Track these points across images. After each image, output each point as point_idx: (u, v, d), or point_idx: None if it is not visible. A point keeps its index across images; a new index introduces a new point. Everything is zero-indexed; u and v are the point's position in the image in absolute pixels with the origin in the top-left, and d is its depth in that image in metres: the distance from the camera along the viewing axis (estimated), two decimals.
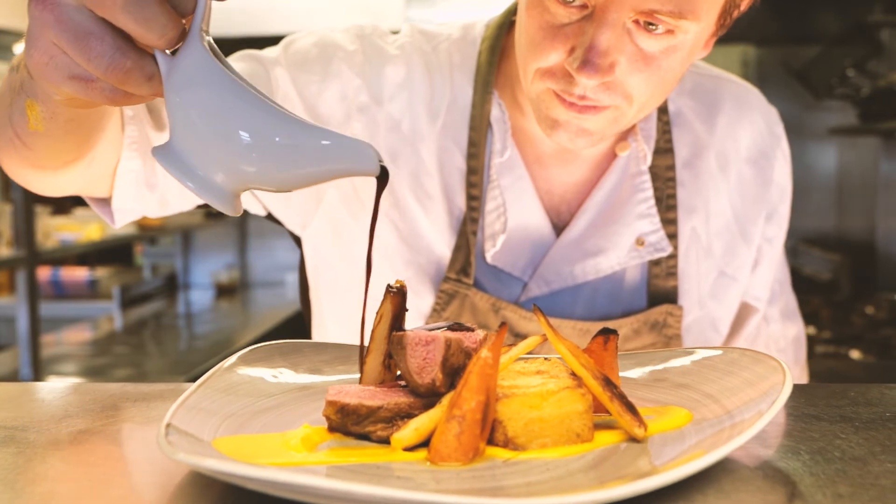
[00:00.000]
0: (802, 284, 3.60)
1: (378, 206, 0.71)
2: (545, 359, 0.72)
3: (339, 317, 1.13)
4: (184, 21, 0.63)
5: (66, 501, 0.57)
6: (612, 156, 1.09)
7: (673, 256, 1.08)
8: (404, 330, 0.69)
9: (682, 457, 0.59)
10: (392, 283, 0.72)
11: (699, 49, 0.94)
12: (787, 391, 0.62)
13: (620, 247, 1.07)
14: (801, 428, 0.69)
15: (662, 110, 1.09)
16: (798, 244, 4.01)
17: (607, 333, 0.71)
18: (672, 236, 1.08)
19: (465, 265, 1.04)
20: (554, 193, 1.08)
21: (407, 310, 0.72)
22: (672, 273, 1.08)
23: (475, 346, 0.67)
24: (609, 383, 0.64)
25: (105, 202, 1.03)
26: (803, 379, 1.26)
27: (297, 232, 1.13)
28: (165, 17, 0.60)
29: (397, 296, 0.71)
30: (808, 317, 3.16)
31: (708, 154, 1.12)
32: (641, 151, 1.07)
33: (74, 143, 0.83)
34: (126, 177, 0.99)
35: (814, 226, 4.10)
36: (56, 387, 0.90)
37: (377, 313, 0.73)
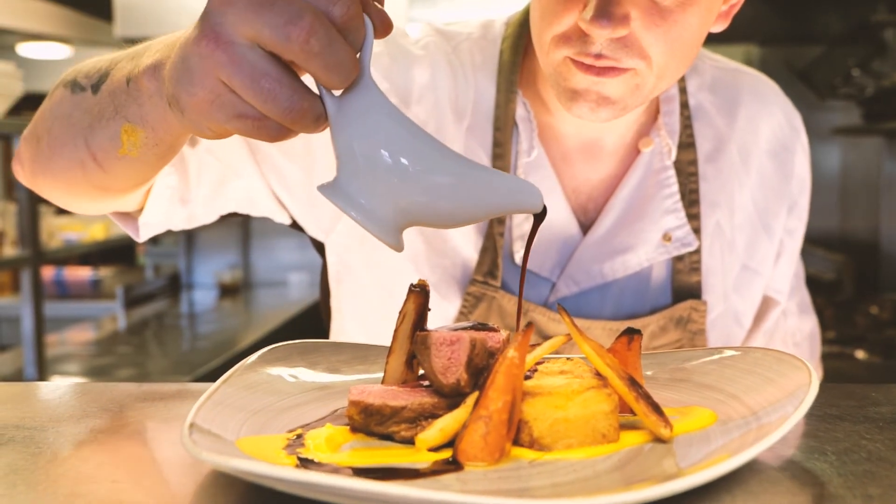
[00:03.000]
0: (805, 285, 3.60)
1: (532, 242, 0.72)
2: (567, 359, 0.72)
3: (361, 322, 1.12)
4: None
5: (90, 502, 0.57)
6: (635, 152, 1.08)
7: (696, 251, 1.08)
8: (427, 329, 0.69)
9: (709, 458, 0.58)
10: (415, 282, 0.72)
11: (716, 10, 0.93)
12: (813, 391, 0.62)
13: (648, 243, 1.06)
14: (826, 428, 0.69)
15: (683, 105, 1.09)
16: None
17: (631, 333, 0.70)
18: (696, 231, 1.08)
19: (492, 267, 1.03)
20: (580, 191, 1.08)
21: (430, 309, 0.72)
22: (696, 268, 1.08)
23: (499, 346, 0.67)
24: (634, 383, 0.64)
25: (128, 216, 1.01)
26: (818, 374, 1.25)
27: (320, 238, 1.12)
28: (351, 61, 0.59)
29: (420, 295, 0.71)
30: None
31: (730, 148, 1.11)
32: (666, 146, 1.07)
33: (158, 164, 0.81)
34: (162, 193, 0.97)
35: (817, 226, 4.08)
36: (70, 386, 0.90)
37: (400, 313, 0.72)
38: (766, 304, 1.17)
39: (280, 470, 0.51)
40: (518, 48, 1.06)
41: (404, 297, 1.05)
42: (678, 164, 1.08)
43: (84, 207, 0.94)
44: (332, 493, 0.50)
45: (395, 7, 3.46)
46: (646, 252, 1.06)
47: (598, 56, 0.87)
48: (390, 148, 0.61)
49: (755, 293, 1.14)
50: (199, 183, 1.00)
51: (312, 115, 0.60)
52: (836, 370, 2.60)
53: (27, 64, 4.07)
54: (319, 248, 1.15)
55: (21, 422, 0.74)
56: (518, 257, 1.04)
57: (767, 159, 1.14)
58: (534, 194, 0.64)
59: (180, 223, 1.03)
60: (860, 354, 2.85)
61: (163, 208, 0.99)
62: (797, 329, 1.22)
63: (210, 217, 1.06)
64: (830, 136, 4.02)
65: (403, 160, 0.61)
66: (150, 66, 0.69)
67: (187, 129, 0.69)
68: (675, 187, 1.07)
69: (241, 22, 0.58)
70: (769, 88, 1.17)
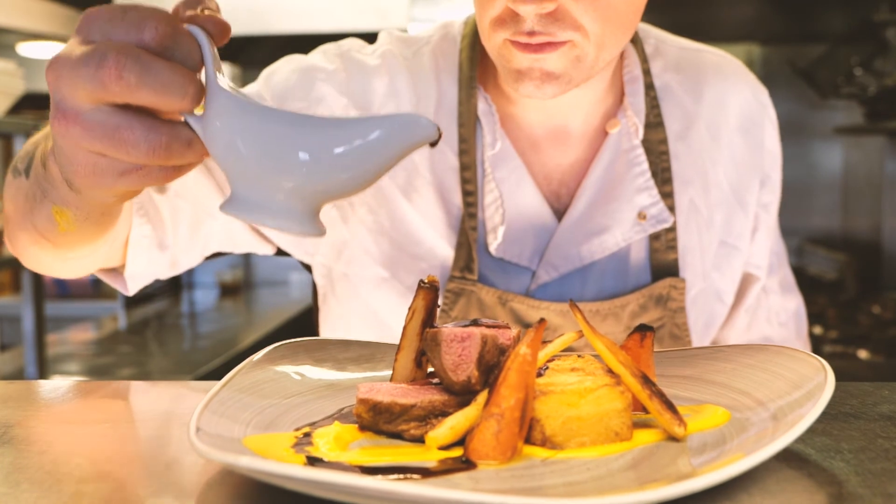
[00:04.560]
0: (808, 284, 3.59)
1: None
2: (578, 356, 0.71)
3: (346, 335, 1.13)
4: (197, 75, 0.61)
5: (96, 502, 0.56)
6: (603, 134, 1.09)
7: (672, 230, 1.09)
8: (437, 326, 0.68)
9: (724, 457, 0.57)
10: (424, 279, 0.71)
11: None
12: (829, 389, 0.61)
13: (623, 222, 1.07)
14: (840, 426, 0.68)
15: (649, 86, 1.10)
16: (803, 244, 3.99)
17: (644, 330, 0.70)
18: (670, 209, 1.09)
19: (468, 261, 1.04)
20: (552, 178, 1.09)
21: (439, 306, 0.71)
22: (672, 246, 1.09)
23: (510, 343, 0.66)
24: (647, 381, 0.63)
25: (114, 272, 1.03)
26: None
27: (306, 260, 1.14)
28: (181, 76, 0.59)
29: (430, 292, 0.70)
30: (814, 317, 3.14)
31: (699, 126, 1.12)
32: (633, 126, 1.08)
33: (102, 231, 0.82)
34: (140, 243, 0.99)
35: (819, 225, 4.09)
36: (73, 385, 0.89)
37: (409, 309, 0.71)
38: (746, 281, 1.19)
39: (289, 468, 0.50)
40: (476, 44, 1.08)
41: (384, 308, 1.07)
42: (648, 144, 1.09)
43: (65, 272, 0.95)
44: (342, 492, 0.49)
45: (396, 7, 3.46)
46: (622, 232, 1.07)
47: (532, 33, 0.88)
48: (266, 144, 0.59)
49: (735, 269, 1.15)
50: (176, 228, 1.02)
51: (180, 143, 0.61)
52: (838, 370, 2.56)
53: (27, 63, 4.06)
54: (310, 269, 1.17)
55: (24, 420, 0.73)
56: (493, 248, 1.05)
57: (737, 135, 1.15)
58: (423, 125, 0.60)
59: (165, 270, 1.05)
60: (863, 354, 2.84)
61: (143, 258, 1.00)
62: (781, 308, 1.23)
63: (194, 260, 1.07)
64: (832, 136, 4.01)
65: (288, 150, 0.59)
66: (51, 149, 0.70)
67: (93, 204, 0.72)
68: (646, 165, 1.08)
69: (73, 89, 0.59)
70: (734, 65, 1.19)
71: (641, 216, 1.07)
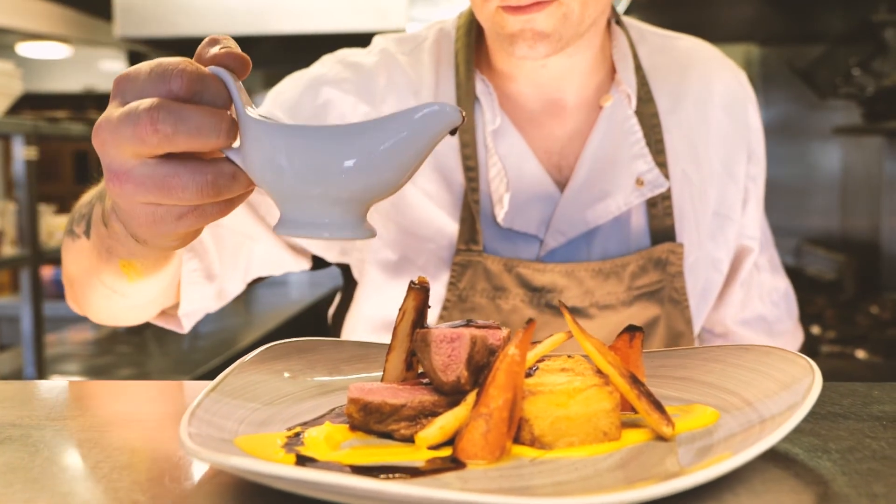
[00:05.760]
0: (806, 284, 3.59)
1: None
2: (568, 356, 0.71)
3: (372, 331, 1.15)
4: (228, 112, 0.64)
5: (89, 501, 0.56)
6: (597, 109, 1.14)
7: (668, 197, 1.13)
8: (427, 327, 0.69)
9: (711, 456, 0.58)
10: (415, 279, 0.71)
11: None
12: (816, 389, 0.61)
13: (623, 188, 1.11)
14: (828, 426, 0.69)
15: (637, 66, 1.16)
16: (802, 244, 3.99)
17: (633, 331, 0.70)
18: (665, 177, 1.13)
19: (472, 234, 1.08)
20: (552, 152, 1.13)
21: (430, 306, 0.72)
22: (669, 213, 1.13)
23: (500, 344, 0.66)
24: (636, 381, 0.64)
25: (165, 314, 1.06)
26: (798, 335, 1.33)
27: (343, 260, 1.17)
28: (212, 117, 0.61)
29: (420, 292, 0.71)
30: (813, 317, 3.14)
31: (686, 104, 1.18)
32: (626, 97, 1.13)
33: (160, 269, 0.87)
34: (190, 279, 1.04)
35: (818, 226, 4.08)
36: (68, 385, 0.89)
37: (400, 310, 0.72)
38: (740, 253, 1.24)
39: (279, 468, 0.50)
40: (471, 32, 1.13)
41: (397, 292, 1.09)
42: (641, 117, 1.14)
43: (131, 320, 1.02)
44: (332, 492, 0.50)
45: (395, 7, 3.46)
46: (623, 196, 1.11)
47: None
48: (304, 159, 0.61)
49: (729, 239, 1.20)
50: (221, 254, 1.07)
51: (225, 178, 0.63)
52: (836, 370, 2.59)
53: (27, 63, 4.07)
54: (346, 269, 1.20)
55: (18, 420, 0.74)
56: (501, 218, 1.09)
57: (722, 113, 1.20)
58: (449, 111, 0.62)
59: (213, 303, 1.09)
60: (861, 354, 2.85)
61: (196, 293, 1.05)
62: (773, 287, 1.28)
63: (238, 287, 1.11)
64: (831, 136, 4.01)
65: (323, 161, 0.61)
66: (111, 208, 0.75)
67: (158, 251, 0.77)
68: (640, 134, 1.13)
69: (117, 150, 0.63)
70: (712, 50, 1.26)
71: (639, 182, 1.12)
